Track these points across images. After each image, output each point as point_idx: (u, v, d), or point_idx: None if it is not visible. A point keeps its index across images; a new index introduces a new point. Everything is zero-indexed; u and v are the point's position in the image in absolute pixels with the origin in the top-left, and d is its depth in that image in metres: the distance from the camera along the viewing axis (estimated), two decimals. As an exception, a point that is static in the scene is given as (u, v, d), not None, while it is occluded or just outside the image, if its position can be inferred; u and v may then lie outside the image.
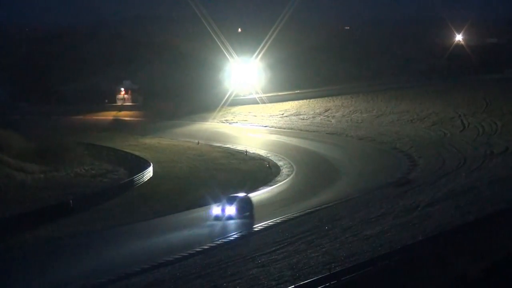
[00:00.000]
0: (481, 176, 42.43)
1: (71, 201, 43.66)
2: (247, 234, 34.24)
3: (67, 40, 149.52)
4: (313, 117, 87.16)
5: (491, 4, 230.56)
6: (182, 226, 37.24)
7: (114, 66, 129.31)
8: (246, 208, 38.22)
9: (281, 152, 66.88)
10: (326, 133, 77.94)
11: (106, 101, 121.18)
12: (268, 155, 66.61)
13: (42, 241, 36.03)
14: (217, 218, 37.44)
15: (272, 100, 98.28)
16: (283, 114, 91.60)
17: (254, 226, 35.61)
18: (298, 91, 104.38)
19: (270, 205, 42.95)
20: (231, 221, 36.87)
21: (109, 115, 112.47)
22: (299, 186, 50.44)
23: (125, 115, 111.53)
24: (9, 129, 67.44)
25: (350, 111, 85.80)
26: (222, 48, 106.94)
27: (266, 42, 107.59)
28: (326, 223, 32.93)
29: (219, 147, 74.18)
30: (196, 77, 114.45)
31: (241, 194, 39.99)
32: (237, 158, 66.14)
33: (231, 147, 73.03)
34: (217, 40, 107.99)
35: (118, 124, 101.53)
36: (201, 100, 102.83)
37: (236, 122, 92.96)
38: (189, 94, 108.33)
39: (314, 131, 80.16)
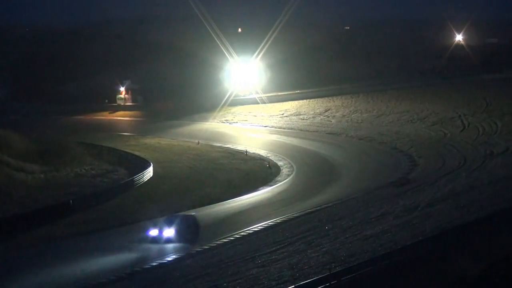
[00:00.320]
0: (481, 176, 42.37)
1: (71, 201, 43.70)
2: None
3: (67, 40, 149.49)
4: (313, 117, 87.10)
5: (491, 4, 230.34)
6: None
7: (114, 66, 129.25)
8: (189, 231, 33.17)
9: (281, 152, 66.90)
10: (326, 133, 77.87)
11: (106, 101, 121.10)
12: (268, 155, 66.62)
13: (42, 241, 35.97)
14: (154, 240, 32.73)
15: (272, 100, 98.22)
16: (283, 114, 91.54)
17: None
18: (298, 91, 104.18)
19: (270, 205, 43.00)
20: (169, 245, 32.49)
21: (109, 115, 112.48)
22: (299, 186, 50.44)
23: (125, 115, 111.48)
24: (9, 129, 67.27)
25: (350, 111, 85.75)
26: (222, 48, 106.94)
27: (266, 42, 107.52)
28: (326, 223, 32.91)
29: (219, 147, 74.16)
30: (196, 77, 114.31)
31: (187, 213, 35.96)
32: (237, 158, 66.15)
33: (231, 147, 73.01)
34: (217, 40, 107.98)
35: (118, 124, 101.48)
36: (201, 100, 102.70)
37: (236, 122, 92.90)
38: (189, 94, 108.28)
39: (314, 131, 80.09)
